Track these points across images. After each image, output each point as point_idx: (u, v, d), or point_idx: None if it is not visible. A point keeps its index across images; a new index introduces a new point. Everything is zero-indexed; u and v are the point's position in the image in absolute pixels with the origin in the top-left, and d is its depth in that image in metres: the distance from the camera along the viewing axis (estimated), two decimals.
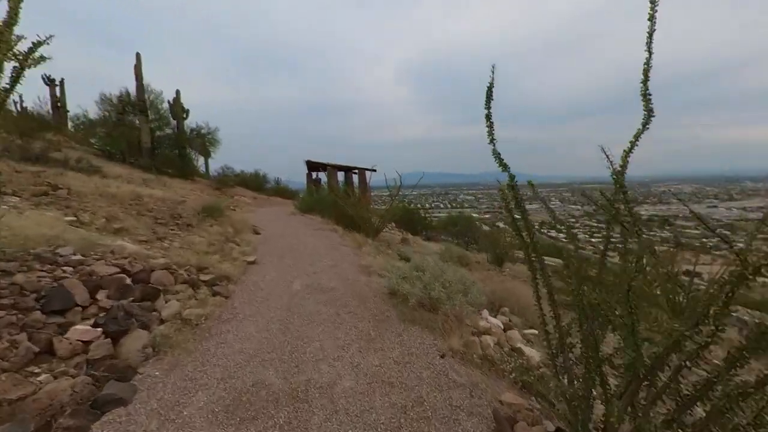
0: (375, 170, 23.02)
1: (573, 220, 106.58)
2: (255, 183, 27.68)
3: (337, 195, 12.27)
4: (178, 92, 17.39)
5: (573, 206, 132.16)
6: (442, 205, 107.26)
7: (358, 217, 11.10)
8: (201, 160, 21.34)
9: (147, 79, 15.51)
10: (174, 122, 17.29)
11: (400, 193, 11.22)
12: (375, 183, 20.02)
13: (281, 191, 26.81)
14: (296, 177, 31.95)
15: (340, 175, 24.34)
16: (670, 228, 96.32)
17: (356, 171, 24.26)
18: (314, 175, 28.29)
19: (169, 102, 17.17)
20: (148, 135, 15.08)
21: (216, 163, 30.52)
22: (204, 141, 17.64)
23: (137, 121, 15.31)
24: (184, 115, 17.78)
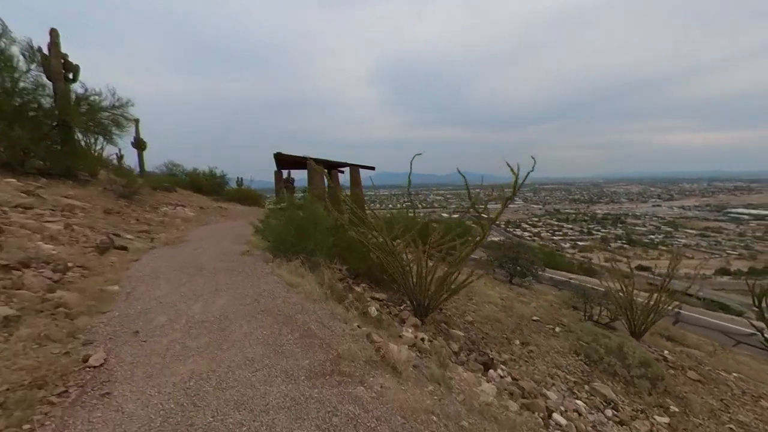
0: (373, 168, 16.39)
1: (536, 218, 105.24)
2: (210, 185, 20.08)
3: (342, 211, 5.63)
4: (54, 33, 9.71)
5: (534, 205, 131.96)
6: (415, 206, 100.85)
7: (409, 277, 4.54)
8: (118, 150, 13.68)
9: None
10: (50, 86, 9.61)
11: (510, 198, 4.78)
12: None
13: (241, 195, 19.40)
14: (259, 175, 24.46)
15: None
16: (622, 225, 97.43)
17: (343, 169, 17.37)
18: (285, 173, 21.06)
19: (40, 50, 9.50)
20: None
21: (160, 158, 22.38)
22: (97, 116, 10.03)
23: None
24: (70, 76, 10.14)
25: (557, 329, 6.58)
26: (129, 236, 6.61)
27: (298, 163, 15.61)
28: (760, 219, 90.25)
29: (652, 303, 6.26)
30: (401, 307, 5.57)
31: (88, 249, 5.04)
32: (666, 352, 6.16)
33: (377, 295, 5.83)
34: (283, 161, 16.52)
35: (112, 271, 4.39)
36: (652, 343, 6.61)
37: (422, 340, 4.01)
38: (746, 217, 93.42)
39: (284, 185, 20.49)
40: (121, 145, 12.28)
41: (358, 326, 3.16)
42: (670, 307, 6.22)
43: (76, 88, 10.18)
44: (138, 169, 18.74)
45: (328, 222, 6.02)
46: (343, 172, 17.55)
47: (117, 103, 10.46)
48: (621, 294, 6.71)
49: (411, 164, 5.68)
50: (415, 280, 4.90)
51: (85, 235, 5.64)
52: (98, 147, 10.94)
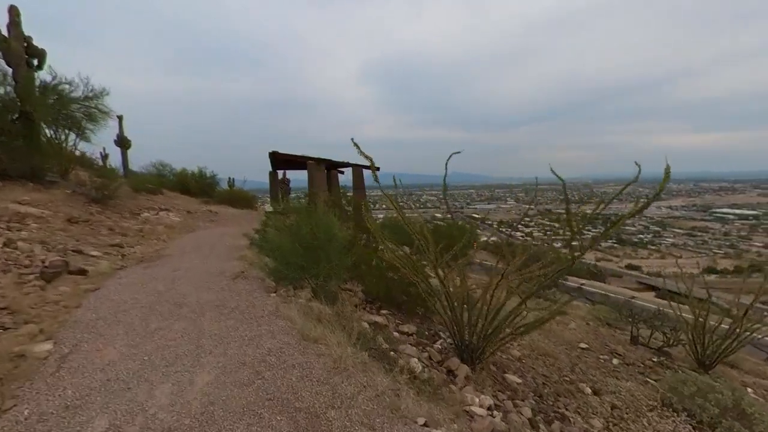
0: (378, 168, 15.08)
1: (528, 219, 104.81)
2: (200, 185, 18.65)
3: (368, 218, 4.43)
4: (14, 11, 8.27)
5: (526, 206, 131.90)
6: (406, 206, 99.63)
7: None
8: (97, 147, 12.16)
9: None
10: (9, 71, 8.18)
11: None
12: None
13: (233, 197, 17.99)
14: (258, 176, 23.02)
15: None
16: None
17: (342, 170, 16.09)
18: (281, 174, 19.71)
19: None
20: None
21: (160, 158, 20.75)
22: (67, 108, 8.62)
23: None
24: (35, 61, 8.72)
25: (615, 361, 5.48)
26: (95, 252, 5.29)
27: (295, 162, 14.29)
28: (744, 219, 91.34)
29: (734, 329, 5.17)
30: (437, 345, 4.40)
31: (29, 276, 3.74)
32: (750, 390, 5.11)
33: (405, 328, 4.63)
34: (280, 161, 15.17)
35: (53, 312, 3.11)
36: (725, 376, 5.56)
37: (489, 410, 2.84)
38: (731, 216, 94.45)
39: (279, 186, 19.14)
40: (96, 141, 10.79)
41: (426, 425, 1.96)
42: (759, 336, 5.16)
43: (43, 76, 8.79)
44: (122, 169, 17.30)
45: (345, 235, 4.81)
46: (343, 172, 16.27)
47: (90, 94, 9.04)
48: (689, 317, 5.62)
49: (446, 166, 4.35)
50: (467, 315, 3.72)
51: (31, 255, 4.32)
52: (70, 143, 9.51)
